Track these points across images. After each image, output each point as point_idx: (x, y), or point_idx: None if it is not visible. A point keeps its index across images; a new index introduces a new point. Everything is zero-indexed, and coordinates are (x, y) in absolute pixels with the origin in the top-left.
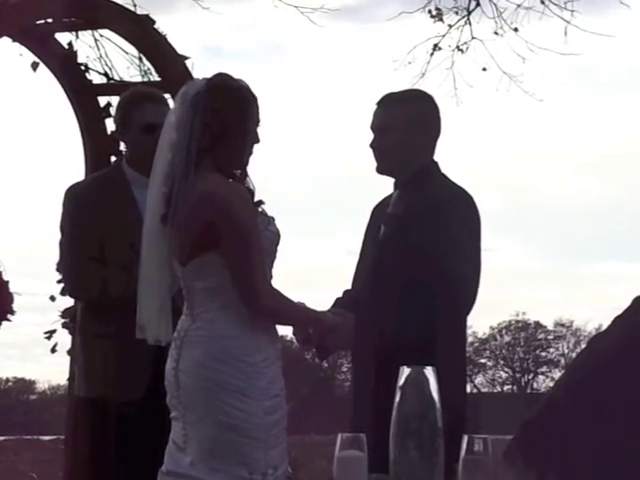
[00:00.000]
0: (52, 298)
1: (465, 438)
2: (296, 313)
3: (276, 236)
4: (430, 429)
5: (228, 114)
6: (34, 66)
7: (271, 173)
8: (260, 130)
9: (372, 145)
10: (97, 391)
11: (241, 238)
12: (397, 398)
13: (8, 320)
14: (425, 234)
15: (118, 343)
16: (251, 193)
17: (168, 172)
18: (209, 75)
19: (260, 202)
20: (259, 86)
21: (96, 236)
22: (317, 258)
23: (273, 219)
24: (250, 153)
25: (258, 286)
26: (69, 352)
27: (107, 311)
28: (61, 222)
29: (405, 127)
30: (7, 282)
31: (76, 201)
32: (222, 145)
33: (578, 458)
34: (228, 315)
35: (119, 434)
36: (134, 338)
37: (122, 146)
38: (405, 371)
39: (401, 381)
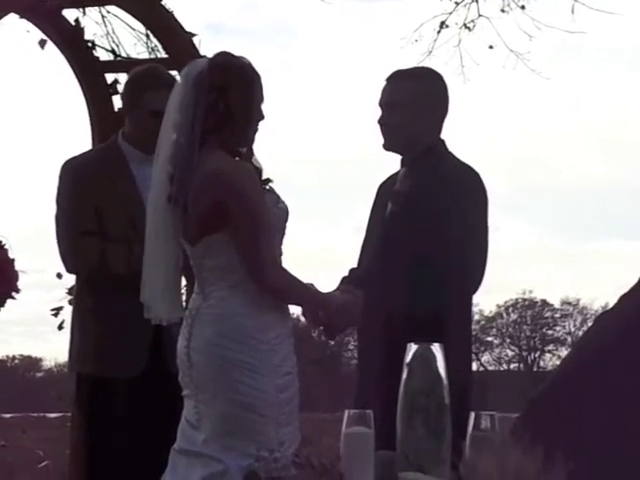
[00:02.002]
0: (59, 275)
1: (472, 415)
2: (304, 294)
3: (285, 213)
4: (437, 406)
5: (232, 93)
6: (42, 44)
7: (279, 154)
8: (264, 107)
9: (380, 121)
10: (90, 367)
11: (249, 217)
12: (404, 375)
13: (13, 298)
14: (432, 212)
15: (113, 320)
16: (258, 172)
17: (173, 152)
18: (213, 53)
19: (268, 180)
20: (265, 65)
21: (93, 210)
22: (329, 239)
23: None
24: (255, 130)
25: (266, 264)
26: None
27: (104, 287)
28: (57, 196)
29: (413, 104)
30: (13, 260)
31: (73, 175)
32: (227, 124)
33: (584, 436)
34: (239, 293)
35: (116, 411)
36: (130, 315)
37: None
38: (412, 348)
39: (408, 358)
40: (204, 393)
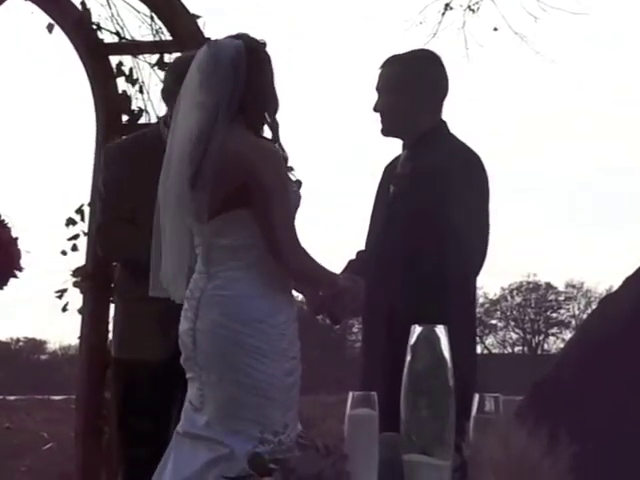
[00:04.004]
0: (63, 252)
1: (476, 397)
2: (319, 274)
3: (298, 199)
4: (441, 388)
5: (257, 74)
6: (49, 28)
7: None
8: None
9: (376, 108)
10: (130, 352)
11: (271, 198)
12: (408, 357)
13: (16, 277)
14: (434, 194)
15: (144, 304)
16: (285, 160)
17: (198, 134)
18: (217, 36)
19: (290, 169)
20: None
21: (127, 196)
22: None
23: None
24: (276, 111)
25: (286, 244)
26: (80, 311)
27: (137, 273)
28: (99, 181)
29: (409, 88)
30: (16, 238)
31: (109, 159)
32: (252, 104)
33: (588, 419)
34: (251, 274)
35: (158, 395)
36: (158, 299)
37: (134, 105)
38: (416, 330)
39: (412, 340)
40: (210, 376)
